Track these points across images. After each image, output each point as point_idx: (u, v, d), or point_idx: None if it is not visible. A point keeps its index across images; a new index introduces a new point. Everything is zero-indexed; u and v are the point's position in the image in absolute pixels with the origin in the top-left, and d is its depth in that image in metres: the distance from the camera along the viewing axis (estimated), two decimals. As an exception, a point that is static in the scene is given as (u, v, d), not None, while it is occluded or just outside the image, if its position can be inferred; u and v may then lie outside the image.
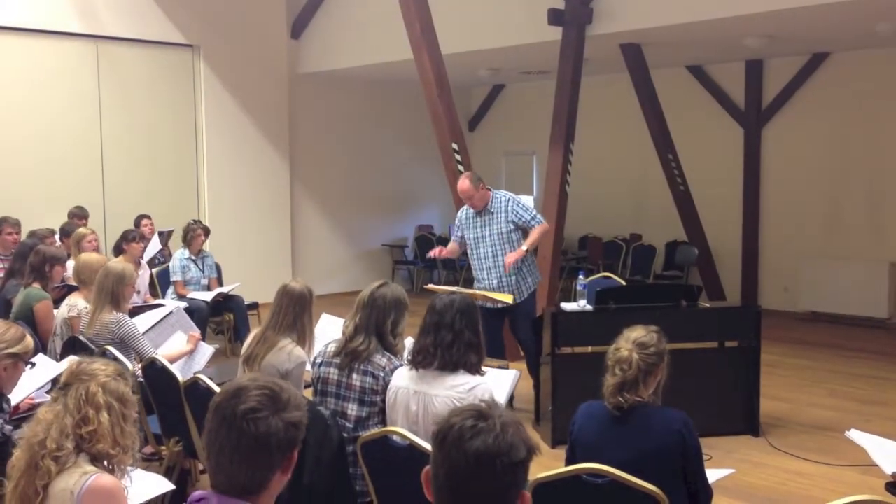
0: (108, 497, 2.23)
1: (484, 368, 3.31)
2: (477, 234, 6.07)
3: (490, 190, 6.07)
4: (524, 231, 6.03)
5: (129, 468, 2.40)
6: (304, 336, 3.93)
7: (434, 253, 6.28)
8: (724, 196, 10.55)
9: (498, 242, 5.99)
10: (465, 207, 6.16)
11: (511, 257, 5.89)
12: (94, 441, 2.29)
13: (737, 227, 10.53)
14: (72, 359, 3.06)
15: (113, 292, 4.68)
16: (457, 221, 6.31)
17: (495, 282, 6.02)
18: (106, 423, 2.31)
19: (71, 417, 2.30)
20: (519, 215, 5.98)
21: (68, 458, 2.25)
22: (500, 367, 6.00)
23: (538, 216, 6.06)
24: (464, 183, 5.99)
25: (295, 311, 3.90)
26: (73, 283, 5.60)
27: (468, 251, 6.20)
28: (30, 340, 3.28)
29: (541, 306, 6.42)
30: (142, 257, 7.57)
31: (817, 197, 10.01)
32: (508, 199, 6.02)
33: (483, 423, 1.58)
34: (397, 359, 3.47)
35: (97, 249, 6.75)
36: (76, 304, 5.04)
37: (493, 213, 6.01)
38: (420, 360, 3.22)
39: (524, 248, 5.93)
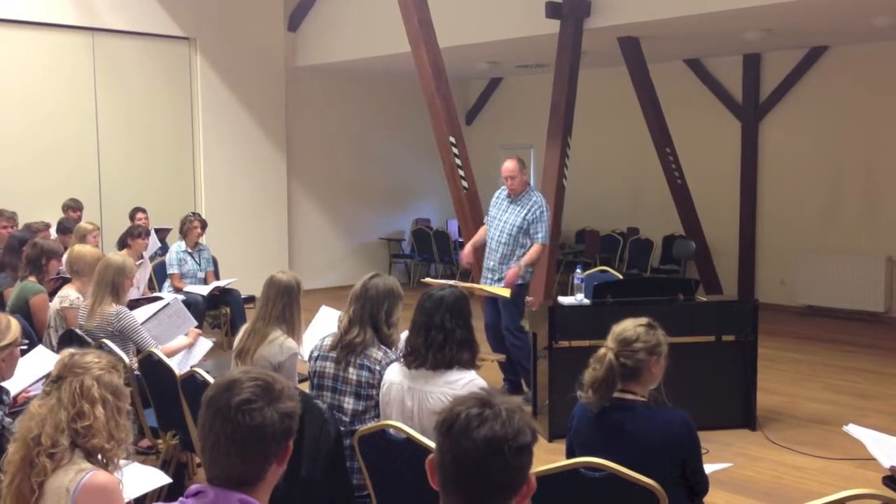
0: (105, 494, 2.21)
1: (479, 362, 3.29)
2: (497, 215, 6.30)
3: (530, 185, 6.34)
4: (528, 236, 6.17)
5: (122, 462, 2.38)
6: (293, 327, 3.92)
7: (466, 261, 6.54)
8: (721, 190, 10.55)
9: (507, 231, 6.18)
10: (502, 187, 6.35)
11: (511, 274, 6.06)
12: (89, 436, 2.27)
13: (734, 220, 10.53)
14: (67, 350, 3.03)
15: (113, 284, 4.69)
16: (492, 200, 6.50)
17: (492, 263, 6.25)
18: (101, 417, 2.29)
19: (65, 412, 2.27)
20: (535, 221, 6.12)
21: (64, 454, 2.23)
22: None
23: (545, 235, 6.18)
24: (511, 163, 6.23)
25: (283, 302, 3.89)
26: (66, 276, 5.58)
27: (488, 229, 6.41)
28: (15, 324, 3.22)
29: (537, 300, 6.46)
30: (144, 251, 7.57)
31: (814, 191, 10.01)
32: (538, 204, 6.17)
33: (489, 411, 1.60)
34: (393, 351, 3.46)
35: (98, 246, 6.73)
36: (68, 295, 5.02)
37: (519, 204, 6.21)
38: (412, 361, 3.20)
39: (522, 263, 6.10)
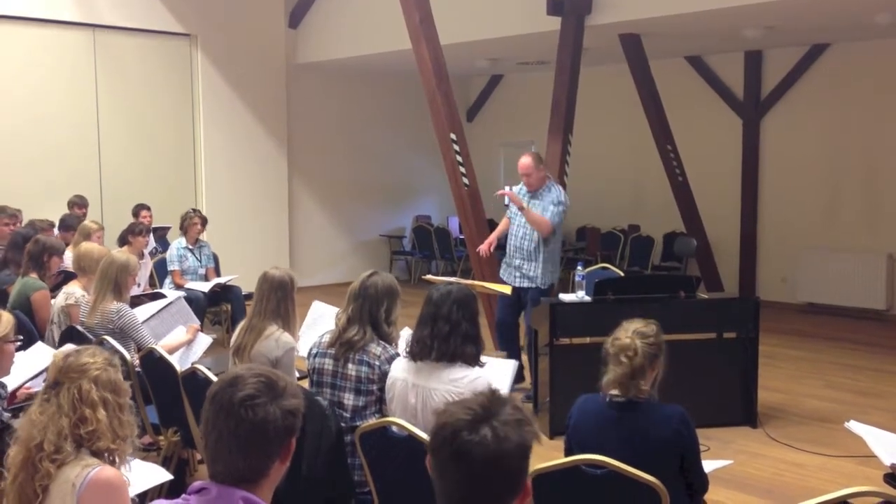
0: (111, 489, 2.20)
1: (483, 359, 3.30)
2: (517, 212, 6.21)
3: (549, 178, 6.27)
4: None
5: (128, 457, 2.38)
6: (288, 322, 3.94)
7: (483, 249, 6.47)
8: (722, 187, 10.54)
9: (529, 226, 6.12)
10: (521, 184, 6.32)
11: (509, 193, 6.07)
12: (94, 440, 2.25)
13: (735, 218, 10.53)
14: (62, 350, 2.99)
15: (116, 281, 4.71)
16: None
17: (517, 261, 6.20)
18: (104, 419, 2.27)
19: (67, 419, 2.24)
20: (550, 204, 6.09)
21: (68, 456, 2.22)
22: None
23: (556, 214, 6.08)
24: (525, 159, 6.18)
25: (277, 297, 3.91)
26: (70, 271, 5.57)
27: (510, 225, 6.37)
28: (7, 319, 3.19)
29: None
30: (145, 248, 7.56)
31: (815, 188, 10.00)
32: (558, 196, 6.14)
33: (484, 429, 1.54)
34: (392, 347, 3.46)
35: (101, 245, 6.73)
36: (73, 292, 5.03)
37: (540, 199, 6.17)
38: (417, 352, 3.21)
39: (523, 205, 6.03)
